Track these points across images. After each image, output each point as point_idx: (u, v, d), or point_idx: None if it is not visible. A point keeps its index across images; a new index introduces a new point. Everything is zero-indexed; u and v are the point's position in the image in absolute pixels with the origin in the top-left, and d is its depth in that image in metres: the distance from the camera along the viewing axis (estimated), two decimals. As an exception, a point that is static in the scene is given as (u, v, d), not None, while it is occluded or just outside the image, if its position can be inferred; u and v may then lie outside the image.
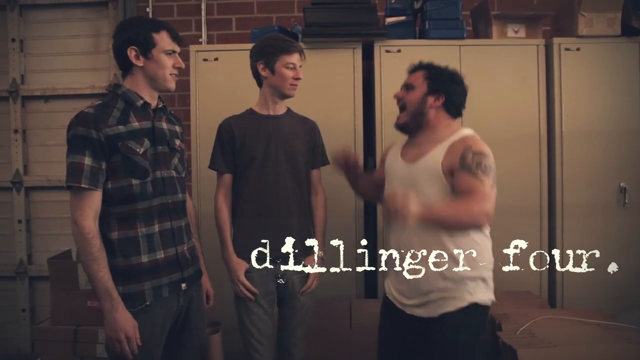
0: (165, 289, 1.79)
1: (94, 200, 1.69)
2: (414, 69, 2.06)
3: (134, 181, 1.74)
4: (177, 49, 1.84)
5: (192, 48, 2.94)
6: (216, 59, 2.89)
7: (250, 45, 2.91)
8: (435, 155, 1.89)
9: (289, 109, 2.35)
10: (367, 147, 2.93)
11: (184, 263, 1.87)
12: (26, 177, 3.69)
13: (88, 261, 1.67)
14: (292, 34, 3.07)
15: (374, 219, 2.95)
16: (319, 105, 2.85)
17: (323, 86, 2.87)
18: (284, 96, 2.26)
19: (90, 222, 1.67)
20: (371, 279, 2.94)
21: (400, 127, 2.04)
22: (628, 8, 2.87)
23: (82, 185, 1.65)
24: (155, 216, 1.79)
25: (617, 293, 2.85)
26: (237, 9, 3.58)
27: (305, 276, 2.26)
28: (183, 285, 1.85)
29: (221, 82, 2.87)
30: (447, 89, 1.96)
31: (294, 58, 2.20)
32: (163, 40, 1.79)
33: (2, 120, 3.70)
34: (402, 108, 2.02)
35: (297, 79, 2.22)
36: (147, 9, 3.55)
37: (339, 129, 2.86)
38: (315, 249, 2.27)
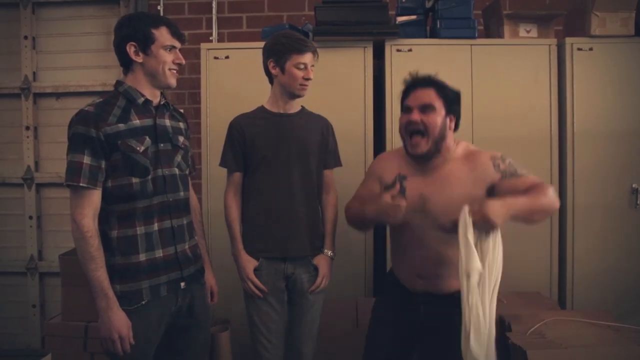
0: (163, 288, 1.79)
1: (93, 199, 1.69)
2: (419, 84, 1.87)
3: (134, 179, 1.74)
4: (177, 44, 1.83)
5: (203, 46, 2.95)
6: (227, 57, 2.90)
7: (261, 44, 2.92)
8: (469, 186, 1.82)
9: (302, 108, 2.33)
10: (377, 147, 2.92)
11: (184, 262, 1.86)
12: (37, 174, 3.72)
13: (85, 260, 1.67)
14: (303, 32, 3.07)
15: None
16: (329, 104, 2.84)
17: (333, 85, 2.87)
18: (293, 96, 2.24)
19: (89, 220, 1.67)
20: (380, 275, 2.94)
21: (422, 156, 1.83)
22: (642, 8, 2.85)
23: (81, 184, 1.66)
24: (155, 214, 1.79)
25: (628, 294, 2.83)
26: (247, 7, 3.59)
27: (314, 275, 2.26)
28: (182, 284, 1.85)
29: (232, 80, 2.88)
30: (457, 109, 1.88)
31: (306, 58, 2.17)
32: (162, 35, 1.78)
33: (14, 117, 3.73)
34: (418, 132, 1.81)
35: (307, 79, 2.19)
36: (159, 7, 3.56)
37: (350, 128, 2.86)
38: (327, 250, 2.28)
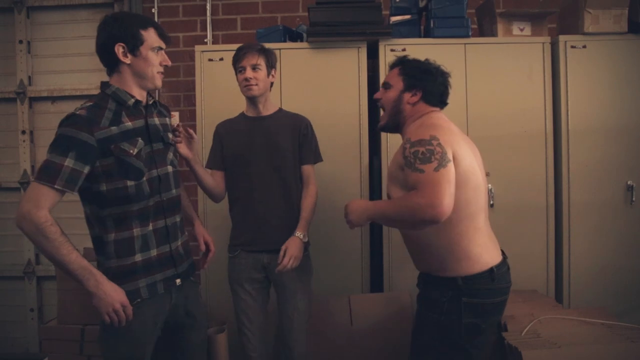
0: (159, 285, 1.80)
1: (54, 199, 1.62)
2: (391, 66, 2.02)
3: (129, 182, 1.72)
4: (164, 45, 1.82)
5: (198, 48, 2.96)
6: (221, 59, 2.90)
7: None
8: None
9: (280, 109, 2.43)
10: (372, 147, 2.93)
11: (178, 259, 1.87)
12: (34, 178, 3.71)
13: (54, 248, 1.59)
14: (297, 33, 3.08)
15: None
16: (324, 104, 2.86)
17: (328, 85, 2.87)
18: (249, 99, 2.34)
19: (45, 212, 1.59)
20: (377, 273, 2.95)
21: (382, 128, 2.03)
22: (635, 4, 2.85)
23: (56, 186, 1.59)
24: (150, 215, 1.79)
25: (624, 291, 2.84)
26: (242, 9, 3.58)
27: (296, 268, 2.27)
28: (177, 280, 1.86)
29: (226, 82, 2.86)
30: (424, 83, 1.91)
31: (244, 62, 2.29)
32: (151, 37, 1.76)
33: (10, 122, 3.72)
34: (382, 108, 2.00)
35: (248, 79, 2.27)
36: (153, 10, 3.55)
37: (344, 128, 2.86)
38: (298, 232, 2.29)
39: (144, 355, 1.78)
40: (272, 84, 2.38)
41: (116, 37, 1.73)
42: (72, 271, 1.62)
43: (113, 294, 1.66)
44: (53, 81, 3.71)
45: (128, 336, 1.73)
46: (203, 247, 2.10)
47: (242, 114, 2.42)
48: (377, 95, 2.02)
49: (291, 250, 2.24)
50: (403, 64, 1.97)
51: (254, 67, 2.27)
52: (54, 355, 2.74)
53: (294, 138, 2.35)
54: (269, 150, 2.31)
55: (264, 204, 2.31)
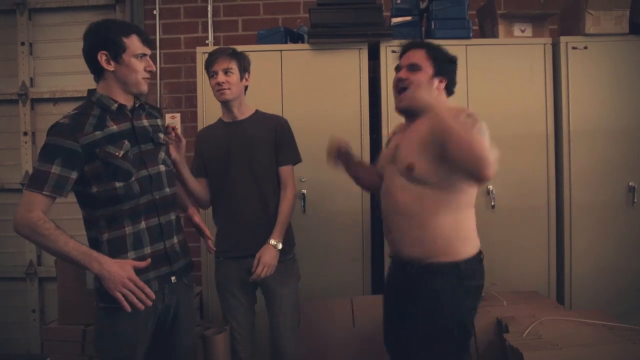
0: (153, 283, 1.79)
1: (46, 204, 1.67)
2: (412, 46, 1.94)
3: (117, 184, 1.74)
4: (148, 51, 1.83)
5: (199, 50, 2.97)
6: (222, 61, 2.90)
7: (256, 47, 2.94)
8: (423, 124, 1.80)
9: (256, 111, 2.40)
10: (373, 147, 2.93)
11: (173, 256, 1.88)
12: (36, 179, 3.72)
13: (52, 242, 1.64)
14: (298, 35, 3.08)
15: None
16: (326, 105, 2.87)
17: (329, 86, 2.88)
18: (222, 103, 2.34)
19: (37, 212, 1.64)
20: (378, 275, 2.95)
21: (404, 109, 1.92)
22: (636, 5, 2.85)
23: (44, 192, 1.65)
24: (142, 214, 1.80)
25: (625, 292, 2.84)
26: (243, 11, 3.59)
27: (278, 271, 2.28)
28: (172, 278, 1.86)
29: (227, 84, 2.88)
30: (449, 70, 1.89)
31: (215, 67, 2.28)
32: (133, 44, 1.78)
33: (12, 123, 3.73)
34: (404, 89, 1.88)
35: (220, 84, 2.27)
36: (154, 11, 3.56)
37: (345, 129, 2.86)
38: (272, 239, 2.28)
39: (136, 354, 1.79)
40: (246, 87, 2.37)
41: (98, 45, 1.75)
42: (74, 258, 1.66)
43: (119, 272, 1.67)
44: (55, 83, 3.72)
45: (121, 335, 1.75)
46: (195, 219, 2.12)
47: (220, 120, 2.41)
48: (402, 74, 1.89)
49: (264, 259, 2.24)
50: (429, 48, 1.90)
51: (226, 71, 2.26)
52: (55, 356, 2.74)
53: (271, 140, 2.33)
54: (247, 155, 2.30)
55: (244, 209, 2.30)
